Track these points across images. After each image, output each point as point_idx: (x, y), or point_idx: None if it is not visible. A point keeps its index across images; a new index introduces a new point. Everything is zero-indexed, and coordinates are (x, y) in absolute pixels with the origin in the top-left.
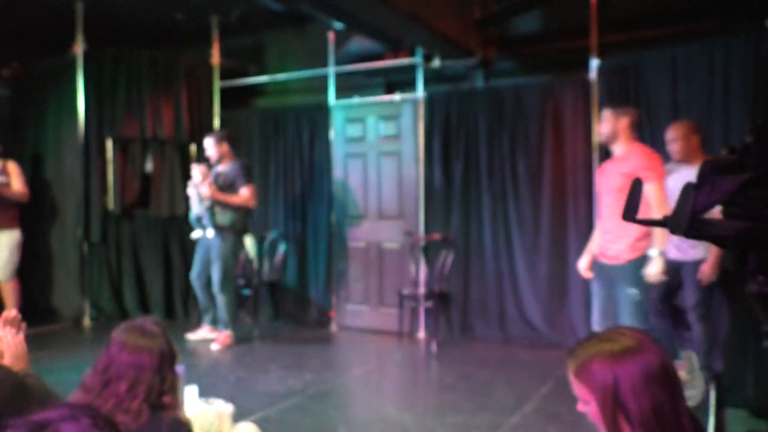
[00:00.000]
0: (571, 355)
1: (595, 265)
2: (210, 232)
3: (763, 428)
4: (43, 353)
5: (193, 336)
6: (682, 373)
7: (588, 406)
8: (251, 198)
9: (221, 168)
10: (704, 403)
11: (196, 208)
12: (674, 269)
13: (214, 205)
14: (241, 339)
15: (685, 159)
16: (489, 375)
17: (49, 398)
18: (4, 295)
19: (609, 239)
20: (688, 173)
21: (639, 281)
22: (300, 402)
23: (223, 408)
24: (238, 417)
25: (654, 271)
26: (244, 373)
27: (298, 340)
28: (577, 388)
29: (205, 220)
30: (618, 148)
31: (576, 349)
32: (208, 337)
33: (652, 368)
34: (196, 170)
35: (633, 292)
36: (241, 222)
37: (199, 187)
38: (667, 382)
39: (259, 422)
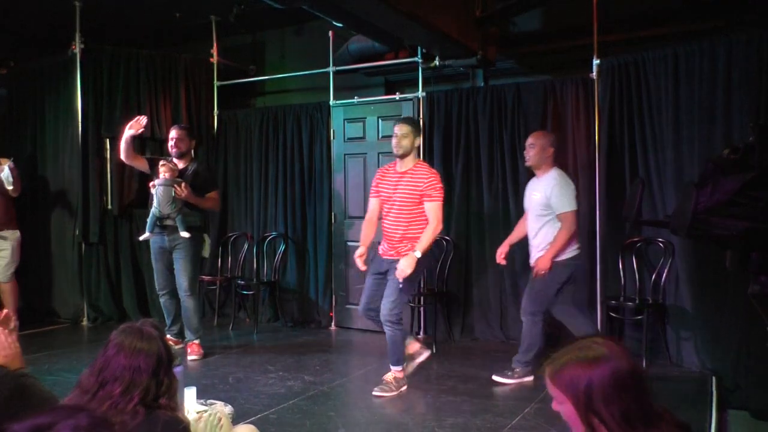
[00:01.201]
0: (548, 361)
1: (376, 258)
2: (185, 234)
3: (765, 430)
4: (41, 354)
5: None
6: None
7: (562, 405)
8: (219, 202)
9: (184, 165)
10: (709, 405)
11: (166, 208)
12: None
13: (184, 205)
14: (240, 340)
15: (536, 166)
16: (489, 376)
17: (47, 399)
18: (3, 295)
19: (395, 240)
20: (536, 182)
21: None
22: (300, 403)
23: (223, 409)
24: (237, 418)
25: (402, 266)
26: (243, 375)
27: (297, 341)
28: (552, 391)
29: (177, 221)
30: (406, 163)
31: (553, 356)
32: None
33: (621, 375)
34: (164, 167)
35: (400, 279)
36: (203, 219)
37: (174, 187)
38: (635, 387)
39: (258, 424)
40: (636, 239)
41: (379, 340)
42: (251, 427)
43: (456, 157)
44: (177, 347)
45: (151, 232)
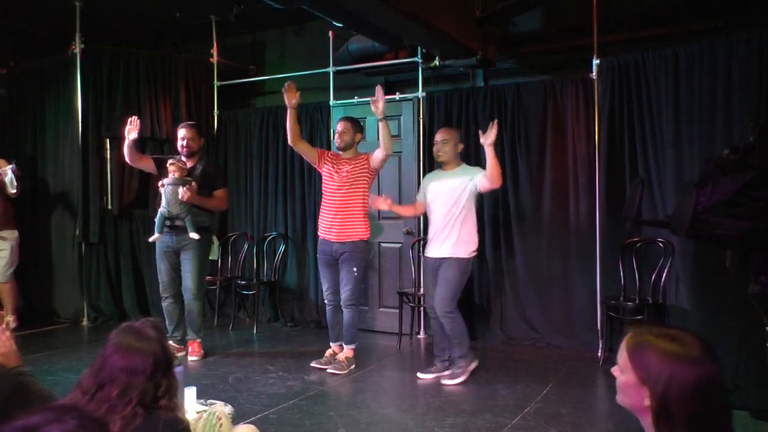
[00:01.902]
0: (633, 329)
1: (323, 243)
2: (195, 235)
3: (765, 430)
4: (41, 354)
5: None
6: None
7: (623, 374)
8: (226, 201)
9: (193, 164)
10: None
11: (175, 208)
12: (435, 268)
13: (193, 205)
14: (240, 340)
15: (448, 162)
16: (489, 376)
17: (45, 398)
18: (2, 295)
19: (339, 222)
20: (444, 174)
21: (359, 262)
22: (300, 403)
23: (223, 409)
24: (237, 418)
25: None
26: (243, 375)
27: (297, 341)
28: (622, 359)
29: (186, 222)
30: (350, 153)
31: (640, 329)
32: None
33: (704, 383)
34: (173, 166)
35: (354, 269)
36: (210, 219)
37: (179, 188)
38: (713, 399)
39: (258, 424)
40: (636, 239)
41: (379, 339)
42: (251, 427)
43: None
44: (179, 354)
45: (161, 232)
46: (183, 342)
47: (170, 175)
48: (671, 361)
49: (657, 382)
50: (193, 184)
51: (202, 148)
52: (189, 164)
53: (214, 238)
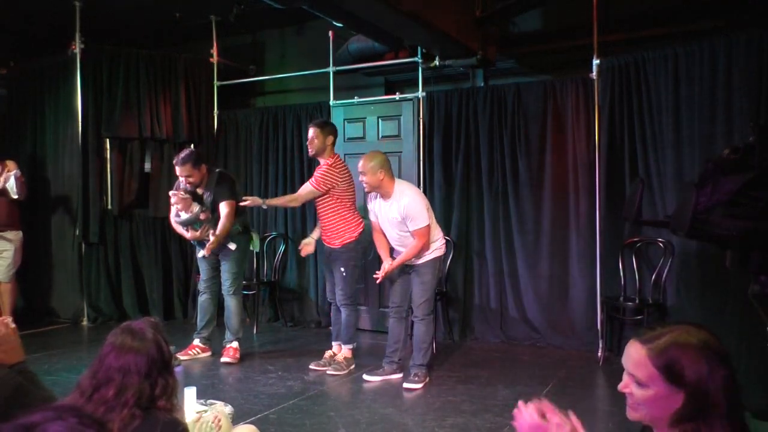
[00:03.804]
0: (637, 339)
1: (323, 245)
2: (232, 245)
3: (765, 430)
4: (41, 354)
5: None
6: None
7: (645, 389)
8: (230, 214)
9: (202, 191)
10: None
11: (203, 235)
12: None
13: (216, 222)
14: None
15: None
16: (489, 376)
17: (48, 398)
18: (2, 295)
19: (323, 230)
20: (386, 208)
21: (347, 262)
22: (300, 403)
23: (223, 409)
24: (237, 418)
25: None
26: (243, 375)
27: (297, 341)
28: (646, 373)
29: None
30: (324, 158)
31: (650, 334)
32: (200, 356)
33: (735, 379)
34: (174, 197)
35: (342, 269)
36: (243, 222)
37: (205, 248)
38: (738, 388)
39: (258, 424)
40: (636, 239)
41: (378, 339)
42: (251, 427)
43: (456, 157)
44: (204, 354)
45: (203, 247)
46: (209, 342)
47: (178, 214)
48: (704, 356)
49: (698, 382)
50: (211, 241)
51: (208, 171)
52: (200, 191)
53: (253, 233)
